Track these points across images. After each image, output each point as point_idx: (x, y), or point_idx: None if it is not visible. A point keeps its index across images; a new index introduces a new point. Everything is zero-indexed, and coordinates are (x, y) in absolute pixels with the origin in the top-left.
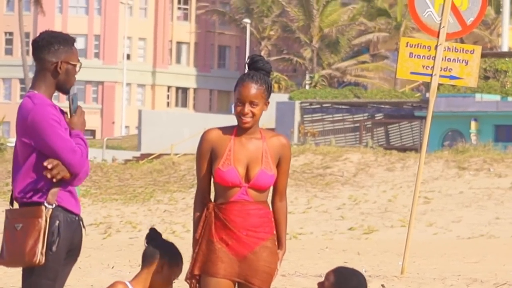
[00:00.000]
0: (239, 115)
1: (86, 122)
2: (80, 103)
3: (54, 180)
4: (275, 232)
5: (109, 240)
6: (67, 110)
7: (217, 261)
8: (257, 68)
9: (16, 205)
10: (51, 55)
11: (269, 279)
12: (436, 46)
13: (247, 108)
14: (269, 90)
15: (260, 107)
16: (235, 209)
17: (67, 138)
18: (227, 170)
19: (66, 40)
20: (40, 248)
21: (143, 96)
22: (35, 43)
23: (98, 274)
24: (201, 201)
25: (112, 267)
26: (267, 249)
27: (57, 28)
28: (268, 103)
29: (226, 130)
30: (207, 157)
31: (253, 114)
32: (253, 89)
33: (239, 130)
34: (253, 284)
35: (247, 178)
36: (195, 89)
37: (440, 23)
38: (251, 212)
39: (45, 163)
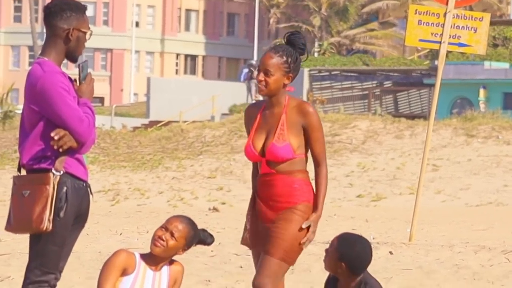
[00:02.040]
0: (257, 82)
1: (95, 89)
2: (89, 70)
3: (61, 150)
4: (304, 201)
5: (117, 207)
6: (76, 77)
7: (251, 232)
8: (288, 41)
9: (24, 172)
10: (63, 22)
11: (282, 244)
12: (445, 14)
13: (261, 76)
14: (291, 64)
15: (276, 77)
16: (261, 181)
17: (75, 107)
18: (247, 146)
19: (78, 8)
20: (48, 215)
21: (152, 63)
22: (47, 9)
23: (106, 240)
24: (253, 176)
25: (120, 234)
26: (284, 216)
27: None
28: (291, 76)
29: (259, 104)
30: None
31: (267, 83)
32: (270, 58)
33: (267, 103)
34: (264, 252)
35: (264, 152)
36: (204, 57)
37: None
38: (273, 182)
39: (52, 134)
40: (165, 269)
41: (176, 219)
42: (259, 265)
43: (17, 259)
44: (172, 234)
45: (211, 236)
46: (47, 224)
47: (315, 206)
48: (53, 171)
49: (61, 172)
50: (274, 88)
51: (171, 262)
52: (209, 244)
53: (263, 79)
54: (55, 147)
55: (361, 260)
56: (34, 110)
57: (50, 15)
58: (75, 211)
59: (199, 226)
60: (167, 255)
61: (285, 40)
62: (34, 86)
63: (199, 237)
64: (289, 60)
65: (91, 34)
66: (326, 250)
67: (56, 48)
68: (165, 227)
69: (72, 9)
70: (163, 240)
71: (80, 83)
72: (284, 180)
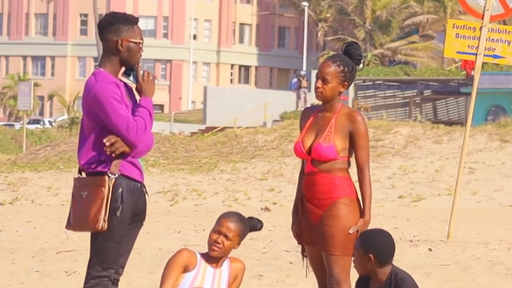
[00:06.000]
0: (315, 88)
1: (156, 97)
2: (142, 71)
3: (113, 155)
4: (346, 195)
5: (176, 206)
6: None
7: (302, 229)
8: (345, 51)
9: (84, 174)
10: (113, 34)
11: (337, 241)
12: (481, 28)
13: (318, 83)
14: (347, 73)
15: (332, 85)
16: (305, 182)
17: (124, 115)
18: (296, 143)
19: (127, 20)
20: (103, 215)
21: (208, 73)
22: (99, 24)
23: (166, 238)
24: (300, 176)
25: (179, 232)
26: (331, 212)
27: (129, 10)
28: (346, 85)
29: (314, 108)
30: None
31: (324, 90)
32: (328, 67)
33: (322, 107)
34: (325, 251)
35: (310, 150)
36: (256, 67)
37: (485, 6)
38: (315, 181)
39: (104, 140)
40: (226, 266)
41: (226, 220)
42: (326, 265)
43: (83, 255)
44: (226, 236)
45: (260, 221)
46: (102, 223)
47: (363, 212)
48: (109, 174)
49: (116, 175)
50: (330, 95)
51: (232, 259)
52: (259, 229)
53: (320, 86)
54: (108, 152)
55: (386, 247)
56: (89, 117)
57: (101, 29)
58: (131, 210)
59: None
60: (226, 254)
61: (342, 50)
62: (88, 95)
63: (250, 226)
64: (346, 69)
65: (143, 44)
66: (353, 254)
67: (110, 59)
68: (217, 230)
69: (120, 21)
70: (219, 244)
71: (136, 86)
72: (325, 178)
